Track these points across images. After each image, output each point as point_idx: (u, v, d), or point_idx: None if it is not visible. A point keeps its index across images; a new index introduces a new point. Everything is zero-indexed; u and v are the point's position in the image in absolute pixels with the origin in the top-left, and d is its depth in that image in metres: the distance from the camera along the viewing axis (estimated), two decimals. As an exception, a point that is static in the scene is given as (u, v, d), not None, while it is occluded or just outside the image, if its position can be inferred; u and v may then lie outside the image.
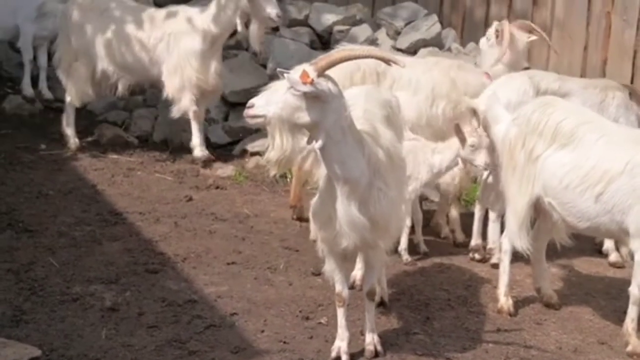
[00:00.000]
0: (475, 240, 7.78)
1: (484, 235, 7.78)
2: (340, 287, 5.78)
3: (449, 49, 10.40)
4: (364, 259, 6.08)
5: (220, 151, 9.83)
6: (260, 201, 8.72)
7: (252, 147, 9.67)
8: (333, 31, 10.79)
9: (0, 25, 10.55)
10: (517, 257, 6.93)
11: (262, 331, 6.13)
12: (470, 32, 10.91)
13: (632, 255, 6.23)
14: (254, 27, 9.16)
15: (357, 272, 6.77)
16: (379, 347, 5.92)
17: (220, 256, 7.32)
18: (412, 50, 10.37)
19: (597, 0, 10.31)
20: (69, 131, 9.61)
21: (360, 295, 6.23)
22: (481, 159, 7.23)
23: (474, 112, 7.60)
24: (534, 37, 8.48)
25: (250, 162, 9.47)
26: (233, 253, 7.40)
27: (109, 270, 6.86)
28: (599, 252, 8.06)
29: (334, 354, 5.81)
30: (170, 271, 6.95)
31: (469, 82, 8.02)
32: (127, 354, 5.68)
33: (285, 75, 5.23)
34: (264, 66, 10.41)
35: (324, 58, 5.28)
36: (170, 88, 9.30)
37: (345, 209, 5.38)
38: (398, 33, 10.66)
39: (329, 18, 10.85)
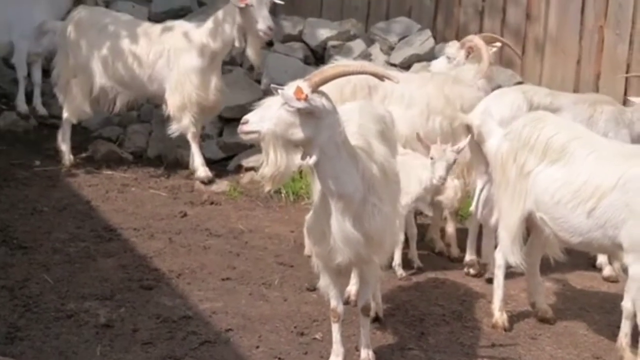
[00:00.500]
0: (469, 255, 7.79)
1: (478, 250, 7.79)
2: (335, 303, 5.78)
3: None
4: (359, 275, 6.09)
5: (215, 167, 9.83)
6: (255, 217, 8.72)
7: (246, 162, 9.68)
8: (327, 46, 10.82)
9: (-4, 41, 10.56)
10: (511, 271, 6.94)
11: (257, 347, 6.13)
12: (463, 47, 10.92)
13: (624, 270, 6.24)
14: (250, 42, 9.16)
15: (352, 288, 6.77)
16: (374, 363, 5.93)
17: (215, 272, 7.32)
18: (405, 65, 10.40)
19: (590, 14, 10.34)
20: (64, 147, 9.62)
21: (355, 311, 6.23)
22: (438, 171, 7.18)
23: (468, 127, 7.63)
24: (495, 48, 8.54)
25: (245, 178, 9.47)
26: (228, 269, 7.40)
27: (103, 286, 6.85)
28: (593, 266, 8.08)
29: (329, 370, 5.82)
30: (165, 287, 6.95)
31: (464, 97, 8.04)
32: (122, 371, 5.69)
33: (279, 91, 5.24)
34: (259, 82, 10.43)
35: (317, 74, 5.30)
36: (172, 106, 9.31)
37: (339, 225, 5.39)
38: (392, 48, 10.69)
39: (322, 33, 10.88)
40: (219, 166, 9.90)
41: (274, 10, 11.38)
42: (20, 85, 10.61)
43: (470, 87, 8.21)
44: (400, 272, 7.55)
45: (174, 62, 9.30)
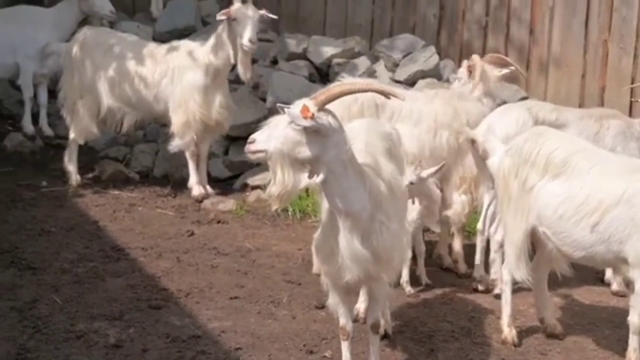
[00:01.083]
0: (477, 271, 7.79)
1: (486, 265, 7.78)
2: (344, 321, 5.78)
3: (447, 80, 10.43)
4: (368, 292, 6.08)
5: (221, 185, 9.86)
6: (262, 235, 8.72)
7: (252, 181, 9.70)
8: (332, 64, 10.84)
9: (1, 63, 10.58)
10: (520, 287, 6.93)
11: (267, 365, 6.14)
12: (468, 63, 10.95)
13: (627, 284, 6.24)
14: (238, 56, 9.17)
15: (361, 305, 6.77)
16: (384, 380, 5.93)
17: (223, 291, 7.32)
18: (410, 82, 10.43)
19: (594, 28, 10.37)
20: (71, 168, 9.64)
21: (364, 328, 6.23)
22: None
23: (473, 143, 7.64)
24: (506, 71, 8.55)
25: (251, 196, 9.48)
26: (236, 287, 7.41)
27: (112, 306, 6.86)
28: (601, 280, 8.06)
29: (339, 388, 5.82)
30: (174, 307, 6.95)
31: (470, 112, 8.05)
32: (132, 391, 5.70)
33: (285, 110, 5.26)
34: (264, 100, 10.44)
35: (324, 92, 5.31)
36: (175, 124, 9.33)
37: (347, 243, 5.39)
38: (396, 65, 10.71)
39: (327, 51, 10.90)
40: (225, 185, 9.93)
41: (277, 28, 11.50)
42: (27, 106, 10.64)
43: (475, 102, 8.23)
44: (408, 289, 7.55)
45: (178, 80, 9.33)
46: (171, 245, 8.25)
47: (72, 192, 9.46)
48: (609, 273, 7.97)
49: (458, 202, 8.03)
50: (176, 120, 9.33)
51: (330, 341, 6.47)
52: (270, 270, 7.86)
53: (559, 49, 10.55)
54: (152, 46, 9.64)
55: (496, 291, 7.49)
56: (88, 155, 10.35)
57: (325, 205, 5.60)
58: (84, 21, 10.70)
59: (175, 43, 9.62)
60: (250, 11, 9.00)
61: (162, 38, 10.93)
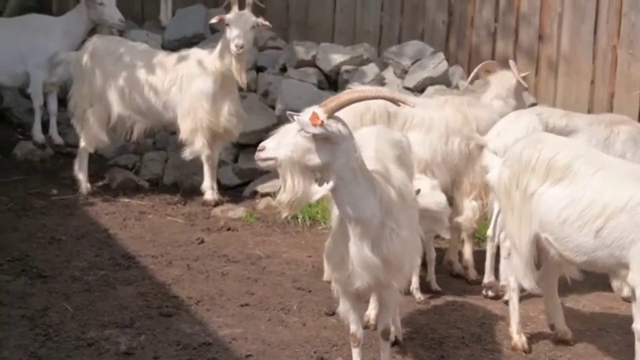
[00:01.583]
0: (488, 278, 7.79)
1: (496, 271, 7.78)
2: (354, 327, 5.79)
3: (457, 87, 10.45)
4: (378, 299, 6.09)
5: (231, 193, 9.87)
6: (272, 242, 8.73)
7: (262, 188, 9.71)
8: (340, 71, 10.85)
9: (11, 72, 10.63)
10: (530, 293, 6.92)
11: (278, 373, 6.14)
12: (477, 69, 10.96)
13: (630, 290, 6.20)
14: (232, 61, 9.22)
15: (371, 312, 6.78)
16: (395, 387, 5.94)
17: (234, 298, 7.33)
18: (419, 89, 10.44)
19: (603, 34, 10.36)
20: (81, 176, 9.67)
21: (375, 335, 6.24)
22: None
23: (482, 149, 7.65)
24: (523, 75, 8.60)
25: (261, 204, 9.49)
26: (246, 295, 7.41)
27: (123, 314, 6.88)
28: (611, 286, 8.05)
29: (349, 394, 5.82)
30: (184, 314, 6.96)
31: (479, 117, 8.07)
32: (144, 399, 5.71)
33: (295, 117, 5.27)
34: (273, 107, 10.47)
35: (333, 100, 5.32)
36: (184, 131, 9.36)
37: (358, 250, 5.40)
38: (405, 72, 10.72)
39: (336, 58, 10.92)
40: (235, 192, 9.94)
41: (286, 36, 11.53)
42: (36, 114, 10.68)
43: (485, 109, 8.24)
44: (418, 295, 7.55)
45: (187, 87, 9.36)
46: (181, 252, 8.27)
47: (82, 200, 9.49)
48: (619, 279, 7.95)
49: (469, 208, 8.03)
50: (184, 128, 9.35)
51: (340, 348, 6.48)
52: (280, 277, 7.87)
53: (568, 54, 10.54)
54: (161, 55, 9.67)
55: (506, 297, 7.47)
56: (98, 164, 10.38)
57: (335, 212, 5.61)
58: (93, 30, 10.76)
59: (184, 52, 9.65)
60: (241, 16, 9.05)
61: (171, 46, 10.97)
